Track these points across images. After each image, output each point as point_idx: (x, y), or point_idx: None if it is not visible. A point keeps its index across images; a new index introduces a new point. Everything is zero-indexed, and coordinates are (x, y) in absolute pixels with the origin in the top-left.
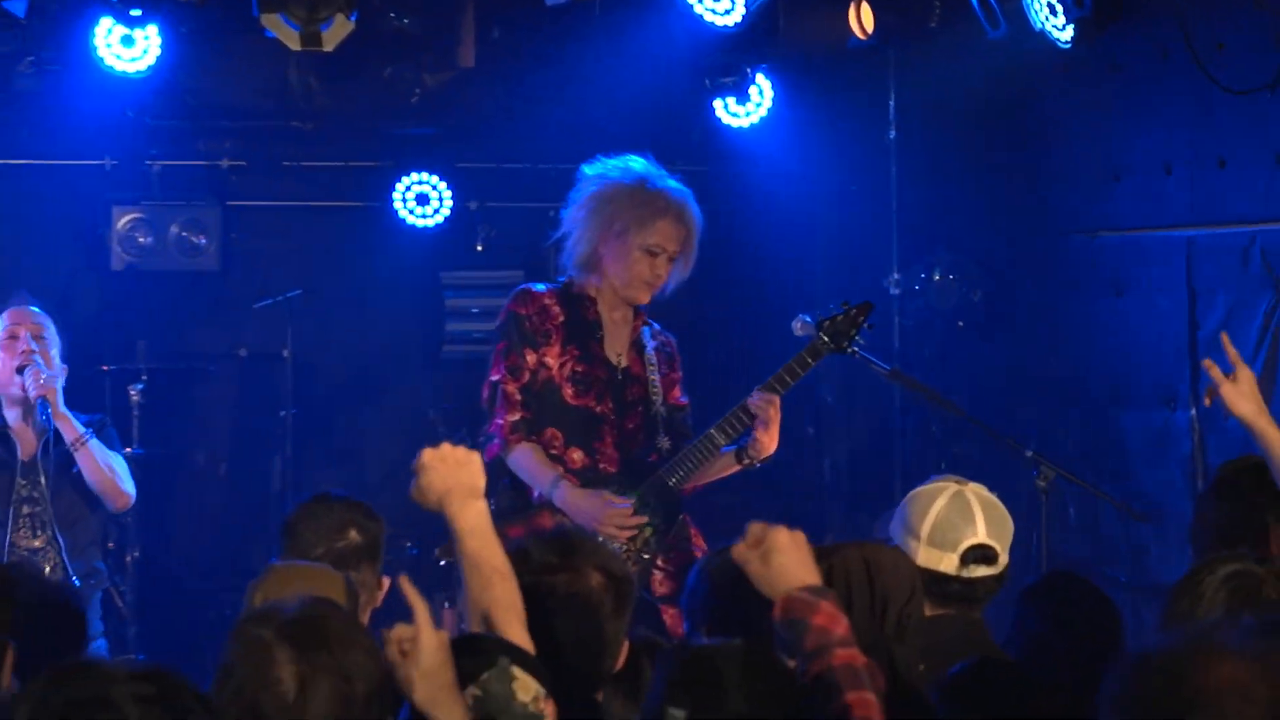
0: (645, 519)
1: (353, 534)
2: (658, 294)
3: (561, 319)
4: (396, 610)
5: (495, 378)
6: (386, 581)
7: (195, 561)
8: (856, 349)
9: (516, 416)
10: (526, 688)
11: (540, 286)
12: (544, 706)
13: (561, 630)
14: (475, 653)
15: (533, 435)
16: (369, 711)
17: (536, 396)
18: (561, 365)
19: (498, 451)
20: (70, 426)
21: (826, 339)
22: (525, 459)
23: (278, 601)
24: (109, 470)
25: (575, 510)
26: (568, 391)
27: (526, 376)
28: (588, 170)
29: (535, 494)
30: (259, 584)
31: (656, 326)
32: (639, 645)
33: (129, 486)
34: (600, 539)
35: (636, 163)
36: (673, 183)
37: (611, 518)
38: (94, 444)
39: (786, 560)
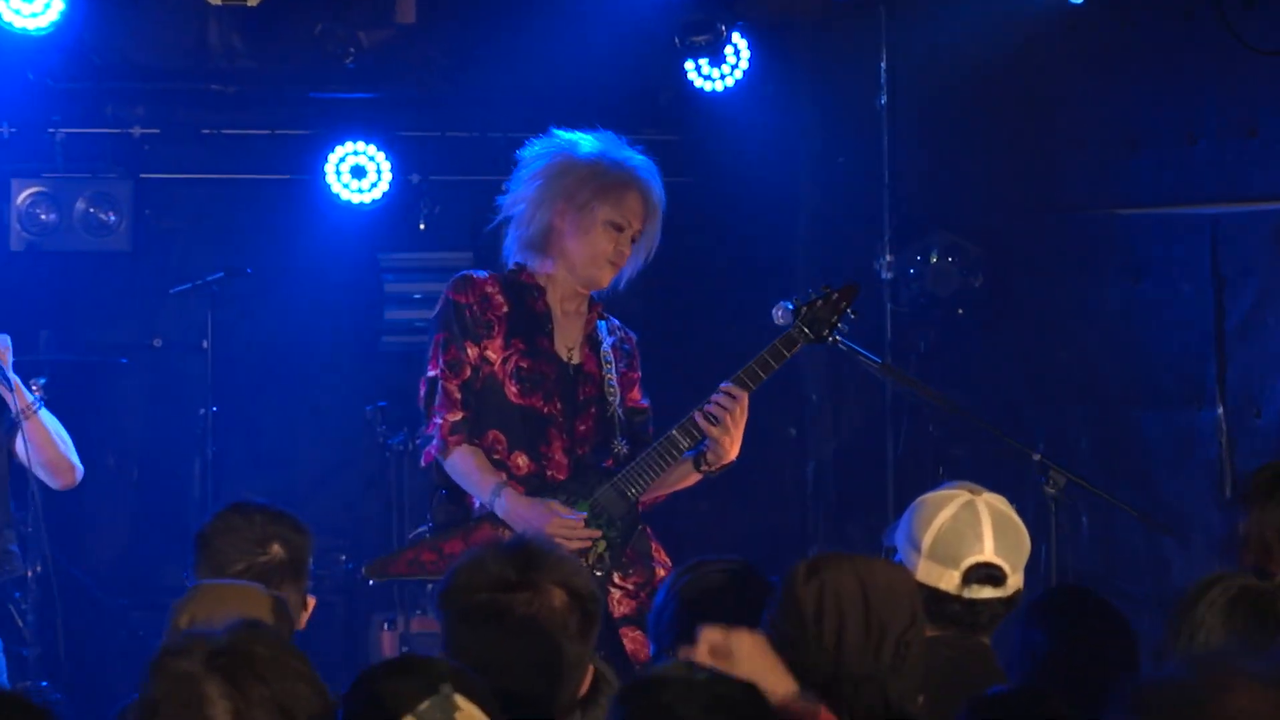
0: (599, 532)
1: (276, 548)
2: (613, 282)
3: (506, 309)
4: (321, 632)
5: (433, 373)
6: (312, 601)
7: (104, 577)
8: (839, 338)
9: (457, 416)
10: (472, 719)
11: (482, 273)
12: None
13: (518, 654)
14: (413, 675)
15: (474, 438)
16: None
17: (478, 395)
18: (505, 360)
19: (435, 455)
20: (20, 393)
21: (804, 328)
22: (464, 464)
23: (200, 628)
24: (61, 442)
25: (519, 521)
26: (511, 389)
27: (467, 372)
28: (527, 152)
29: (476, 504)
30: (184, 605)
31: (615, 321)
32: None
33: (77, 459)
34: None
35: (587, 139)
36: (636, 155)
37: (559, 529)
38: (44, 413)
39: (754, 668)
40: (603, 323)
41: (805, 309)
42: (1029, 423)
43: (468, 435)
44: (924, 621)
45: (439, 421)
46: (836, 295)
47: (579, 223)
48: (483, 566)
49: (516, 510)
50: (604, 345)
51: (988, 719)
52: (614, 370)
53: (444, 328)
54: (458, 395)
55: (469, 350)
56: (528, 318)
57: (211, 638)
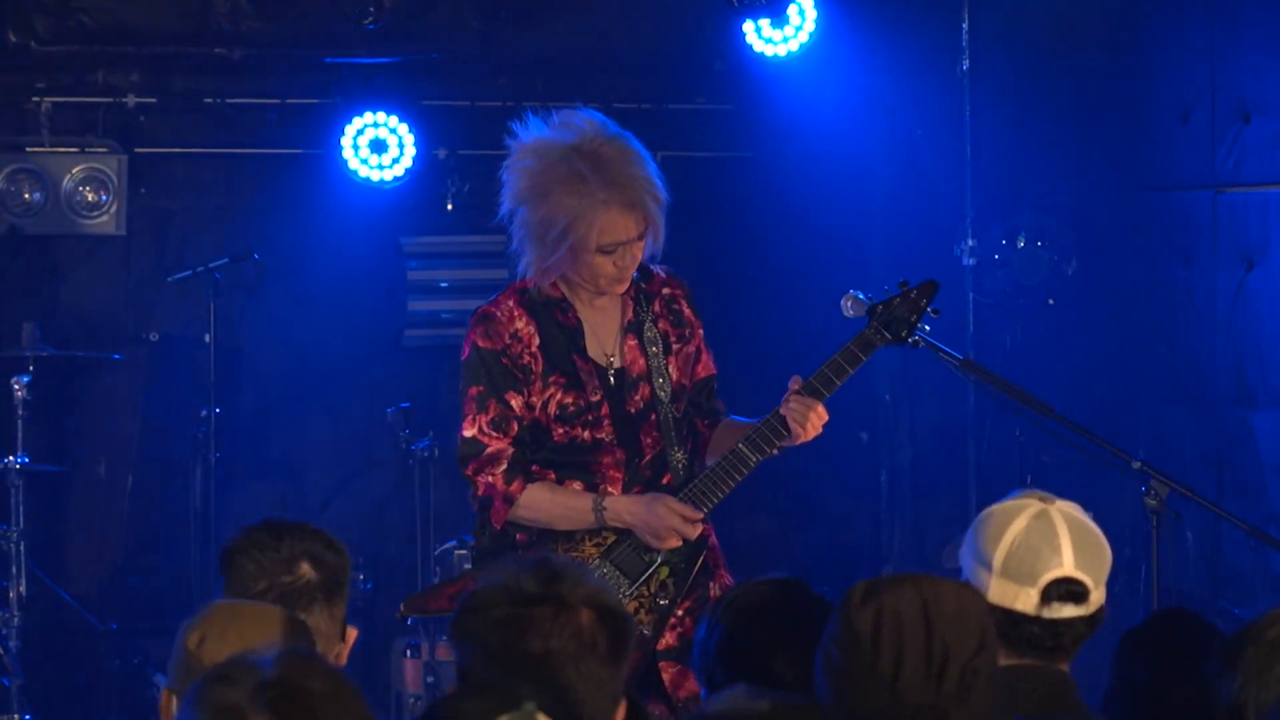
0: (702, 527)
1: (305, 568)
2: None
3: (538, 340)
4: (374, 670)
5: (469, 433)
6: (353, 633)
7: (95, 597)
8: (920, 338)
9: (503, 467)
10: None
11: (504, 301)
12: None
13: (541, 677)
14: (492, 695)
15: (532, 472)
16: None
17: (522, 438)
18: (546, 404)
19: (505, 511)
20: None
21: (880, 329)
22: (542, 500)
23: (247, 655)
24: None
25: (638, 522)
26: (558, 432)
27: (516, 428)
28: (512, 139)
29: (518, 535)
30: (196, 625)
31: (660, 272)
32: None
33: None
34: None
35: (539, 146)
36: (608, 150)
37: (676, 522)
38: None
39: None
40: (641, 297)
41: (881, 308)
42: (1127, 426)
43: (525, 475)
44: (995, 648)
45: (490, 481)
46: (915, 292)
47: (567, 256)
48: (501, 584)
49: (632, 513)
50: (648, 326)
51: None
52: (661, 356)
53: (478, 379)
54: (509, 453)
55: (513, 401)
56: (560, 337)
57: (260, 667)
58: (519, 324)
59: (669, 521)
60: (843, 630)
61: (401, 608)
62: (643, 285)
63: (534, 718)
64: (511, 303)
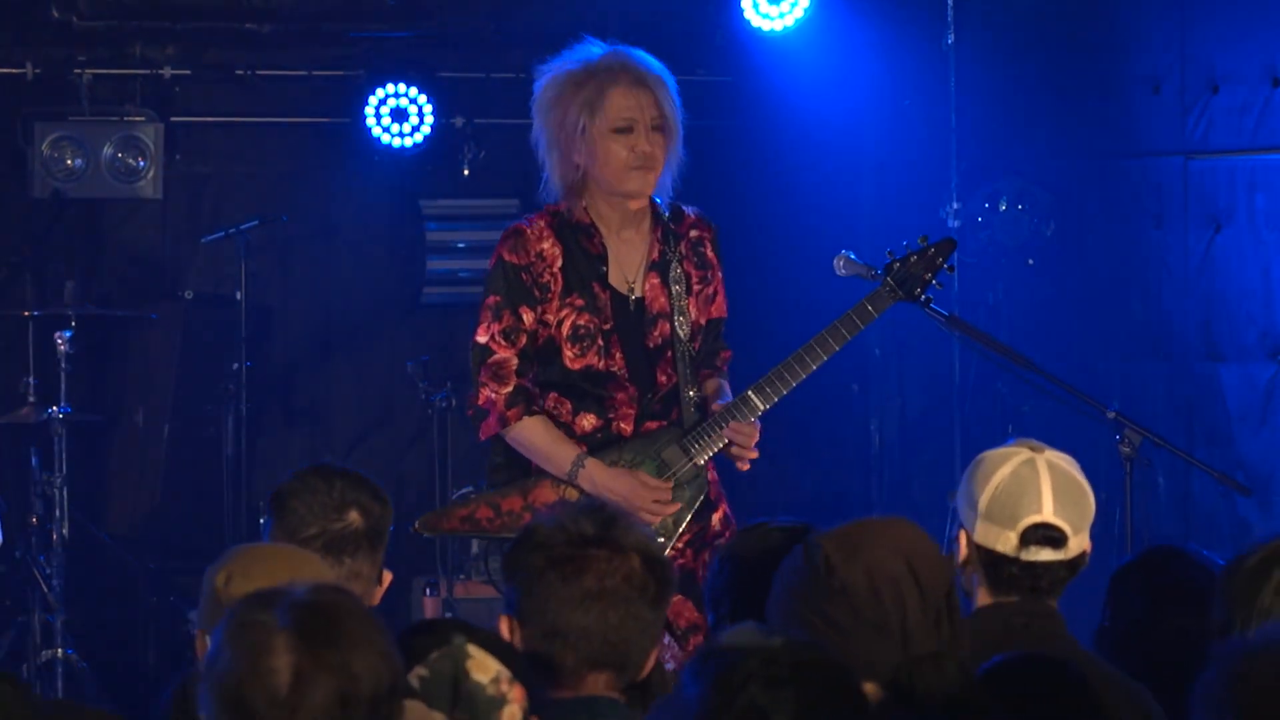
0: (679, 505)
1: (353, 515)
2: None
3: (561, 261)
4: (393, 608)
5: (482, 340)
6: (388, 576)
7: (134, 539)
8: (930, 296)
9: (509, 388)
10: (484, 667)
11: (534, 220)
12: (508, 689)
13: (593, 614)
14: (430, 632)
15: (535, 405)
16: (371, 718)
17: (537, 356)
18: (560, 323)
19: (496, 429)
20: None
21: (895, 286)
22: (533, 436)
23: (287, 584)
24: None
25: (607, 495)
26: (569, 353)
27: (523, 340)
28: (536, 79)
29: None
30: (222, 565)
31: (690, 213)
32: None
33: None
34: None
35: (561, 61)
36: (616, 57)
37: (648, 498)
38: None
39: None
40: (670, 235)
41: (898, 264)
42: (1102, 378)
43: (527, 405)
44: (954, 573)
45: (493, 396)
46: (933, 250)
47: (588, 148)
48: (559, 524)
49: (604, 483)
50: (673, 266)
51: (999, 683)
52: (685, 295)
53: (497, 290)
54: (514, 364)
55: (525, 316)
56: (583, 261)
57: (295, 593)
58: (545, 244)
59: (641, 503)
60: (833, 593)
61: (416, 524)
62: (671, 225)
63: (464, 650)
64: (543, 223)
